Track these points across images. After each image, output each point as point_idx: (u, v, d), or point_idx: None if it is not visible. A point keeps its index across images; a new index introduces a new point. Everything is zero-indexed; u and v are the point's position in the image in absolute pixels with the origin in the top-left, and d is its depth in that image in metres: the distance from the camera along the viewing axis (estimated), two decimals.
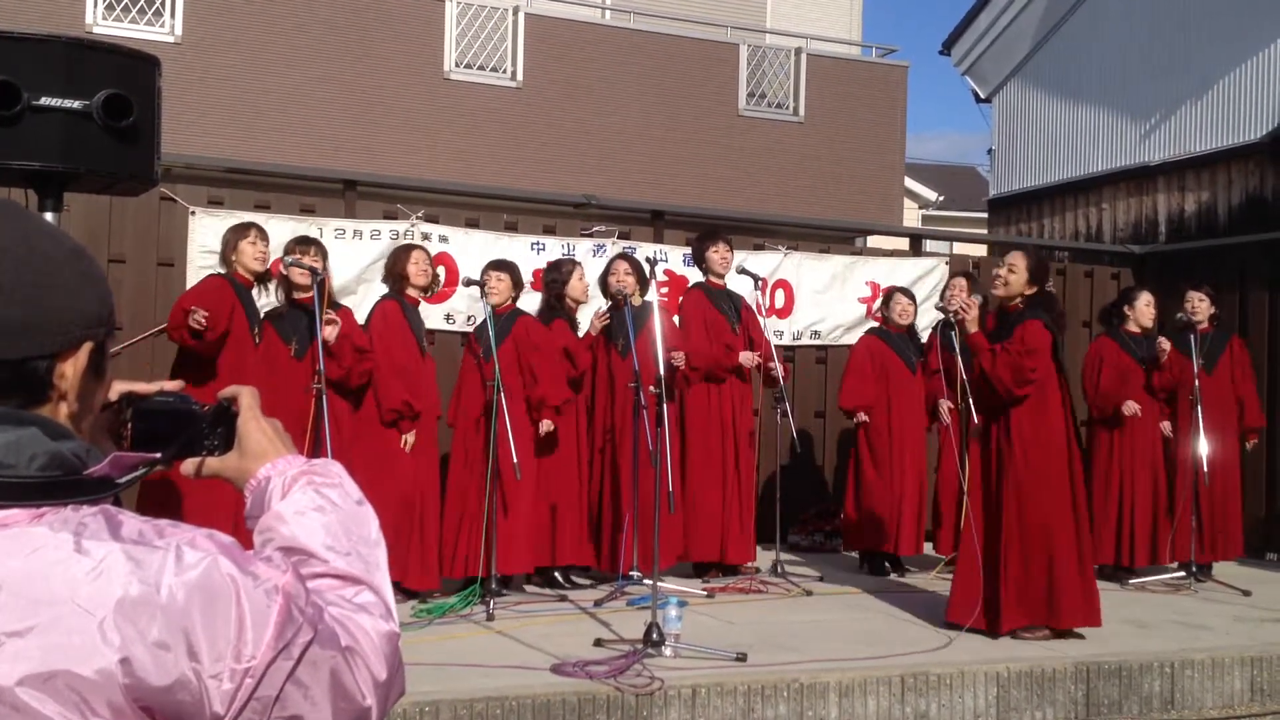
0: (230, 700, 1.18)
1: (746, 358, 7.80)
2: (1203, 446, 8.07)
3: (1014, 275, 6.43)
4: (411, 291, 7.06)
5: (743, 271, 8.03)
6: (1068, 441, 6.37)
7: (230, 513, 5.52)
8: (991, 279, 6.66)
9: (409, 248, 7.29)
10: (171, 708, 1.16)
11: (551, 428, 7.10)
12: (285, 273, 6.67)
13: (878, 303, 9.34)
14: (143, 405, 1.42)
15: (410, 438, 6.79)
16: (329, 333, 6.42)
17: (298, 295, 6.68)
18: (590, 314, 7.78)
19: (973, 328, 6.34)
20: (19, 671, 1.12)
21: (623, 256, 7.97)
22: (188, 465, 1.44)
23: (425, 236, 8.40)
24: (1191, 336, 8.28)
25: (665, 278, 9.14)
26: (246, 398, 1.48)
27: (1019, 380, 6.23)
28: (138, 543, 1.19)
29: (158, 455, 1.37)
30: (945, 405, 8.20)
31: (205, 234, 7.80)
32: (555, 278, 7.63)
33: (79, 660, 1.13)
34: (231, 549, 1.23)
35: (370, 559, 1.40)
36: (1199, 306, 8.49)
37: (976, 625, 6.32)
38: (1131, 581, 8.30)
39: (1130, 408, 8.30)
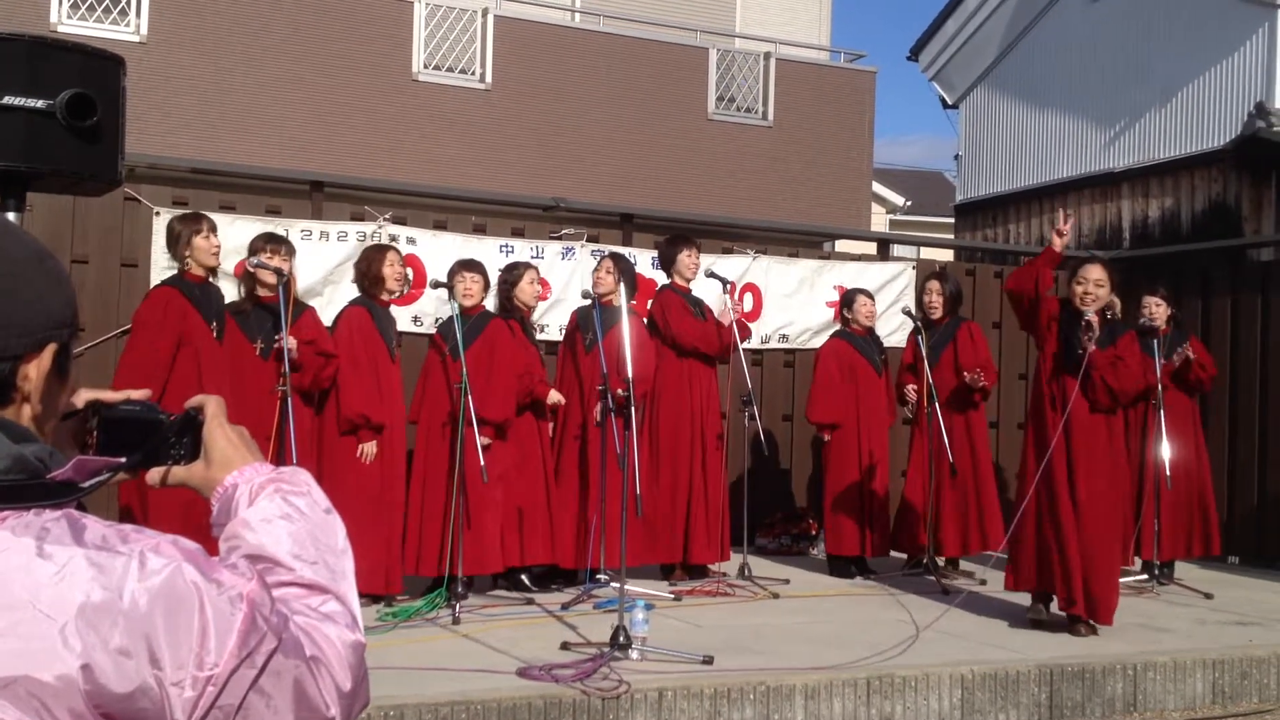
0: (192, 708, 1.17)
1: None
2: (1165, 449, 8.15)
3: (1104, 290, 6.70)
4: (384, 295, 7.03)
5: (711, 275, 8.04)
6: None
7: None
8: (1080, 297, 6.70)
9: (384, 249, 7.24)
10: (133, 715, 1.15)
11: (488, 443, 6.99)
12: (251, 271, 6.61)
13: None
14: (109, 414, 1.42)
15: (370, 448, 6.73)
16: (291, 345, 6.36)
17: (261, 293, 6.62)
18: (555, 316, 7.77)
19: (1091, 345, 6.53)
20: None
21: (609, 256, 7.96)
22: (153, 474, 1.43)
23: (393, 238, 8.37)
24: (1155, 341, 8.36)
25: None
26: (213, 406, 1.46)
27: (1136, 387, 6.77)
28: (101, 548, 1.18)
29: (122, 460, 1.36)
30: (911, 389, 8.30)
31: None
32: (506, 279, 7.63)
33: (40, 666, 1.12)
34: (196, 555, 1.22)
35: (337, 568, 1.39)
36: (1156, 310, 8.57)
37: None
38: None
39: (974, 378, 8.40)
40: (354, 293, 7.19)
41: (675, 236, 8.36)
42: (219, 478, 1.43)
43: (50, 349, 1.29)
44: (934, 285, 8.68)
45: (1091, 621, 6.59)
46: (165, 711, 1.16)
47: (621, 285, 7.06)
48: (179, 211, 7.91)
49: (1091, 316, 6.53)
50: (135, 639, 1.15)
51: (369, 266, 7.02)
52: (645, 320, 8.05)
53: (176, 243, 6.36)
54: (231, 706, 1.19)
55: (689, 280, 8.09)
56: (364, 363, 6.77)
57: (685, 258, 8.04)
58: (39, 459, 1.24)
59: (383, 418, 6.80)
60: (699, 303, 8.15)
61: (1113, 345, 6.64)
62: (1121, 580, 8.32)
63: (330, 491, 5.60)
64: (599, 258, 8.08)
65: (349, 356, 6.74)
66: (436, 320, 8.44)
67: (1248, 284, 10.14)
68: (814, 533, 9.52)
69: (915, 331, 8.44)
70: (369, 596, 6.88)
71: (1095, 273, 6.73)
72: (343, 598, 1.38)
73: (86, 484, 1.28)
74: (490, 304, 7.54)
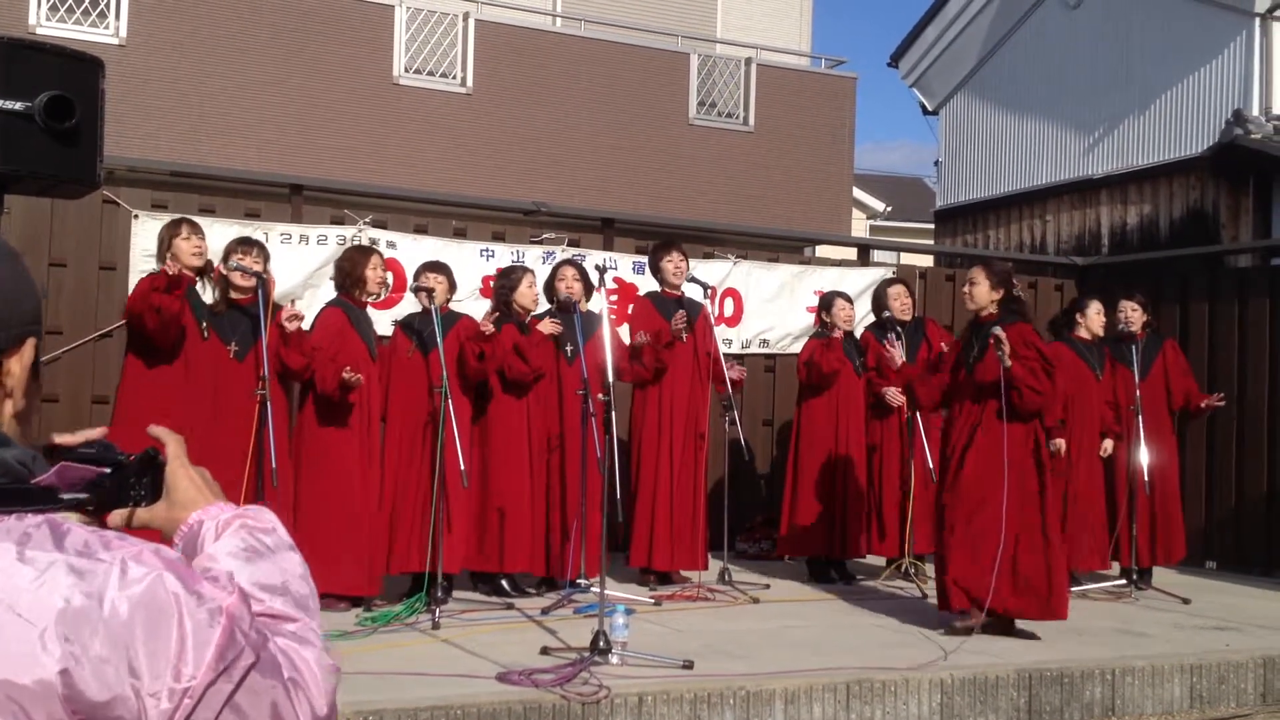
0: None
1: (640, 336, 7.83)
2: (1143, 454, 8.19)
3: (977, 288, 6.75)
4: (363, 296, 7.01)
5: (692, 280, 8.05)
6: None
7: None
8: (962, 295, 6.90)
9: (368, 251, 7.23)
10: None
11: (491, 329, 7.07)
12: (226, 274, 6.59)
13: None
14: (67, 456, 1.40)
15: (352, 377, 6.66)
16: (291, 324, 6.44)
17: (235, 295, 6.60)
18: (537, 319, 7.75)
19: (1006, 357, 6.48)
20: None
21: (568, 263, 7.96)
22: (115, 516, 1.40)
23: (373, 242, 8.34)
24: (1133, 346, 8.41)
25: (615, 285, 9.15)
26: (173, 446, 1.45)
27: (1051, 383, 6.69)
28: (82, 554, 1.17)
29: (85, 496, 1.35)
30: (894, 391, 8.33)
31: (148, 237, 7.70)
32: (504, 284, 7.61)
33: (18, 670, 1.11)
34: (177, 565, 1.21)
35: (304, 602, 1.39)
36: (1132, 316, 8.61)
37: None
38: (1073, 589, 8.38)
39: (1059, 446, 8.41)
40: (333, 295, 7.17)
41: (660, 243, 8.36)
42: (182, 518, 1.41)
43: (30, 343, 1.30)
44: (902, 290, 8.74)
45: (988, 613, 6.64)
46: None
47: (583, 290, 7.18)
48: (158, 214, 7.89)
49: (998, 331, 6.48)
50: (114, 647, 1.14)
51: (352, 267, 7.00)
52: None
53: (160, 248, 6.49)
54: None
55: (675, 285, 8.09)
56: (342, 358, 6.74)
57: (668, 263, 8.05)
58: (21, 463, 1.23)
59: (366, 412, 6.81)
60: (684, 306, 8.11)
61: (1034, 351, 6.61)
62: (1100, 585, 8.42)
63: (309, 493, 5.59)
64: (555, 265, 8.04)
65: (324, 354, 6.72)
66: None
67: (1225, 290, 10.20)
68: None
69: (886, 335, 8.45)
70: (349, 599, 6.87)
71: (970, 273, 6.91)
72: (314, 628, 1.37)
73: (67, 495, 1.28)
74: (474, 307, 7.53)
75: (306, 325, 6.94)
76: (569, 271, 7.71)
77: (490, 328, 7.07)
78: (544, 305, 7.80)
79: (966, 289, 6.85)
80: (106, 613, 1.15)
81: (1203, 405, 8.68)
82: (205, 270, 6.60)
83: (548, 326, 7.46)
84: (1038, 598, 6.59)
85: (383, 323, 8.22)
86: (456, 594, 7.26)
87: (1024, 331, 6.72)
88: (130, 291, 6.81)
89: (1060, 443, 8.42)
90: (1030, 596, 6.58)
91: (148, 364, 6.26)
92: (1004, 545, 6.46)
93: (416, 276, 7.25)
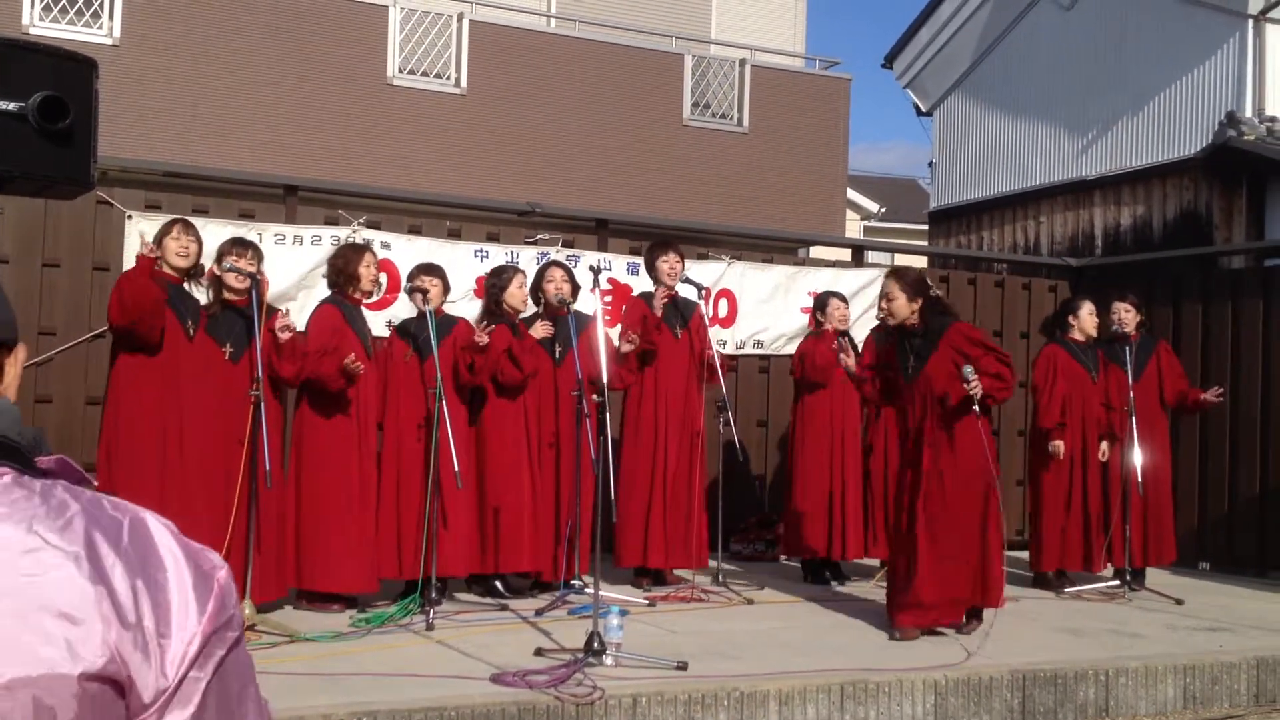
0: (174, 666, 1.19)
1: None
2: (1137, 456, 8.20)
3: (895, 302, 6.73)
4: (357, 294, 7.01)
5: (686, 281, 8.05)
6: None
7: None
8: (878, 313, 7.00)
9: (361, 249, 7.23)
10: (124, 666, 1.17)
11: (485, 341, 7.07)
12: (220, 275, 6.58)
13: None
14: None
15: (354, 365, 6.66)
16: (286, 333, 6.43)
17: (229, 297, 6.59)
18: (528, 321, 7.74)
19: (978, 391, 6.47)
20: None
21: (556, 264, 7.96)
22: None
23: (367, 242, 8.33)
24: (1126, 347, 8.42)
25: (609, 286, 9.14)
26: None
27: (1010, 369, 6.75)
28: (94, 503, 1.23)
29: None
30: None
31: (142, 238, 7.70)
32: (494, 283, 7.61)
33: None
34: (174, 529, 1.26)
35: None
36: (1125, 317, 8.62)
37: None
38: (1066, 590, 8.40)
39: (1058, 449, 8.42)
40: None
41: (655, 243, 8.36)
42: None
43: (21, 345, 1.31)
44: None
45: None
46: (151, 663, 1.18)
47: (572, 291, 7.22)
48: (151, 215, 7.88)
49: (968, 374, 6.46)
50: (125, 590, 1.18)
51: (345, 264, 7.00)
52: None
53: (156, 245, 6.44)
54: (205, 678, 1.21)
55: (670, 286, 8.09)
56: (334, 355, 6.73)
57: (663, 263, 8.05)
58: (35, 439, 1.27)
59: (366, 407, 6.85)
60: (679, 306, 8.12)
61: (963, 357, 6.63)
62: (1093, 586, 8.43)
63: (307, 491, 5.59)
64: (541, 266, 8.02)
65: (319, 351, 6.71)
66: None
67: (1219, 292, 10.22)
68: None
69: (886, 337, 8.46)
70: (344, 599, 6.86)
71: (885, 287, 6.87)
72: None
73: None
74: (469, 310, 7.53)
75: (301, 326, 6.94)
76: (557, 273, 7.70)
77: (485, 339, 7.06)
78: (532, 307, 7.79)
79: (884, 304, 6.80)
80: (112, 562, 1.19)
81: (1201, 399, 8.67)
82: (193, 272, 6.57)
83: (539, 331, 7.46)
84: (980, 588, 6.71)
85: (377, 324, 8.22)
86: (450, 595, 7.25)
87: (963, 330, 6.77)
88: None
89: (1059, 445, 8.44)
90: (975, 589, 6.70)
91: (135, 367, 6.23)
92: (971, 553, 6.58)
93: (411, 279, 7.24)
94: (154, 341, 6.23)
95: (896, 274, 7.01)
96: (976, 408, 6.46)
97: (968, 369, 6.46)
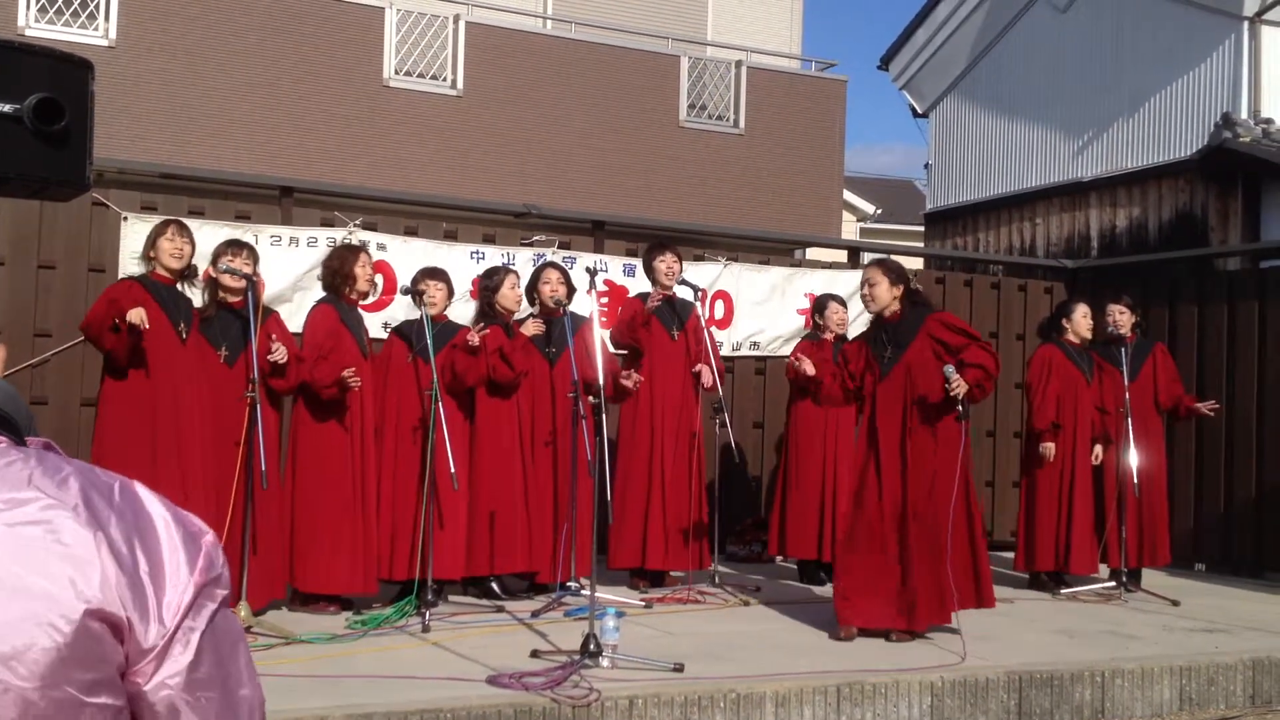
0: (170, 613, 1.26)
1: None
2: (1132, 457, 8.21)
3: (877, 288, 6.73)
4: (352, 294, 7.00)
5: (682, 282, 8.06)
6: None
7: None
8: (863, 300, 6.93)
9: (357, 249, 7.22)
10: (115, 612, 1.23)
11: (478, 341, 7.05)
12: (216, 276, 6.57)
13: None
14: None
15: (353, 380, 6.65)
16: (279, 355, 6.39)
17: (225, 297, 6.58)
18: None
19: (961, 391, 6.45)
20: None
21: (551, 265, 7.96)
22: None
23: (363, 244, 8.32)
24: (1123, 349, 8.43)
25: (605, 288, 9.15)
26: None
27: (991, 355, 6.74)
28: (82, 470, 1.30)
29: None
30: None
31: (138, 240, 7.67)
32: (487, 285, 7.61)
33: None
34: (161, 496, 1.33)
35: None
36: (1120, 318, 8.62)
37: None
38: (1062, 591, 8.41)
39: (1048, 451, 8.42)
40: None
41: (653, 244, 8.38)
42: None
43: (0, 346, 1.39)
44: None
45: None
46: (149, 609, 1.25)
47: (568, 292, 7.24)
48: (147, 216, 7.87)
49: (949, 372, 6.44)
50: (121, 540, 1.25)
51: (341, 265, 7.00)
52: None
53: (145, 246, 6.44)
54: (198, 628, 1.27)
55: (667, 286, 8.10)
56: (332, 359, 6.72)
57: (660, 263, 8.07)
58: (29, 417, 1.34)
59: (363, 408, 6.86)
60: (676, 306, 8.12)
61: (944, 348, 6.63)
62: (1089, 588, 8.43)
63: (303, 492, 5.58)
64: (537, 267, 8.02)
65: (315, 354, 6.70)
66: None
67: (1214, 294, 10.23)
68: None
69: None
70: (339, 601, 6.86)
71: (867, 274, 6.90)
72: None
73: None
74: (463, 312, 7.52)
75: (296, 328, 6.94)
76: (553, 274, 7.70)
77: (476, 340, 7.05)
78: (527, 308, 7.79)
79: (866, 291, 6.80)
80: (115, 516, 1.27)
81: (1195, 408, 8.69)
82: (187, 273, 6.55)
83: (530, 328, 7.46)
84: (972, 588, 6.68)
85: (374, 325, 8.23)
86: (446, 597, 7.25)
87: (942, 318, 6.80)
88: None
89: (1049, 447, 8.45)
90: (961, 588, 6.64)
91: (126, 369, 6.22)
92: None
93: (415, 282, 7.23)
94: (121, 365, 6.21)
95: (879, 262, 7.08)
96: (960, 407, 6.46)
97: (949, 369, 6.44)
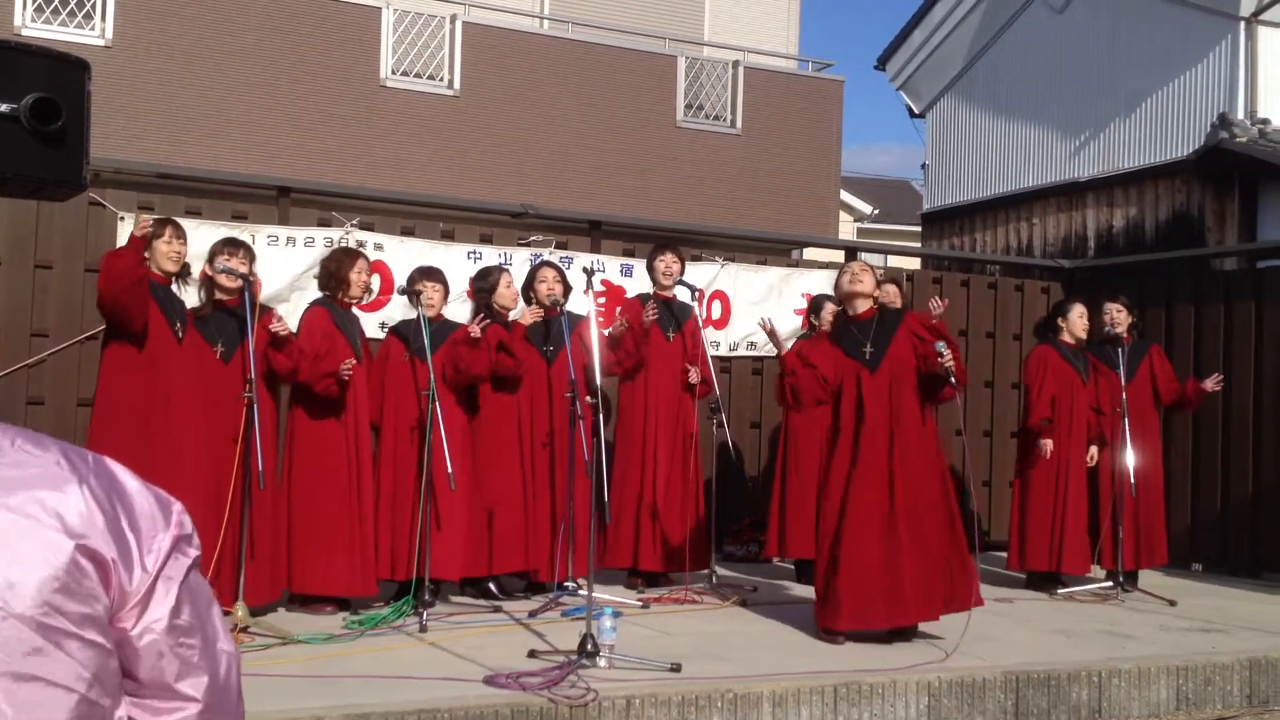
0: (151, 559, 1.36)
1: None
2: (1129, 457, 8.21)
3: (865, 280, 6.81)
4: (346, 298, 7.01)
5: (680, 283, 8.07)
6: None
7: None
8: (850, 291, 6.88)
9: (355, 254, 7.22)
10: (102, 550, 1.33)
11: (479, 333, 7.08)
12: (212, 275, 6.56)
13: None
14: None
15: (345, 370, 6.66)
16: (282, 328, 6.44)
17: (220, 297, 6.58)
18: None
19: (952, 364, 6.47)
20: None
21: (548, 264, 7.96)
22: None
23: (360, 244, 8.31)
24: (1119, 349, 8.43)
25: (602, 288, 9.14)
26: None
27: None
28: (58, 440, 1.41)
29: None
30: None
31: None
32: (483, 285, 7.62)
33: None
34: (130, 470, 1.44)
35: None
36: (1117, 318, 8.62)
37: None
38: (1059, 591, 8.41)
39: (1045, 447, 8.42)
40: None
41: (656, 245, 8.42)
42: None
43: None
44: (893, 290, 8.74)
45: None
46: (131, 553, 1.34)
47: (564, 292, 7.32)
48: (143, 216, 7.85)
49: (942, 349, 6.46)
50: (102, 493, 1.36)
51: (337, 268, 7.01)
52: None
53: (146, 244, 6.39)
54: (176, 581, 1.37)
55: (666, 286, 8.11)
56: (325, 361, 6.73)
57: (659, 263, 8.11)
58: None
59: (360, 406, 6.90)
60: (673, 308, 8.12)
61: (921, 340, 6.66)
62: (1086, 588, 8.44)
63: (298, 494, 5.57)
64: (533, 266, 8.03)
65: (310, 354, 6.70)
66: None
67: (1211, 294, 10.23)
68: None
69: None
70: (337, 601, 6.85)
71: (850, 268, 7.03)
72: None
73: None
74: (460, 312, 7.52)
75: (292, 328, 6.93)
76: (549, 273, 7.71)
77: (478, 331, 7.06)
78: (523, 307, 7.79)
79: (858, 272, 6.88)
80: (90, 476, 1.38)
81: (1201, 386, 8.66)
82: (183, 274, 6.55)
83: (528, 316, 7.48)
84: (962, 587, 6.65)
85: (370, 326, 8.22)
86: (443, 597, 7.25)
87: (920, 317, 6.86)
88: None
89: (1048, 444, 8.45)
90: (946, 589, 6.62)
91: (124, 368, 6.20)
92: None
93: (411, 281, 7.24)
94: (136, 329, 6.12)
95: (859, 261, 7.15)
96: (953, 380, 6.50)
97: (940, 344, 6.49)
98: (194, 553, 1.40)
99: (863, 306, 6.77)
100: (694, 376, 7.91)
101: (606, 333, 7.61)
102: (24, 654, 1.25)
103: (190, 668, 1.38)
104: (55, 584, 1.27)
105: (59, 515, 1.29)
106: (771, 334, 6.90)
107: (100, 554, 1.31)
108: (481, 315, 7.26)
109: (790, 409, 7.23)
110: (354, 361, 6.70)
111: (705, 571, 8.02)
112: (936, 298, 7.33)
